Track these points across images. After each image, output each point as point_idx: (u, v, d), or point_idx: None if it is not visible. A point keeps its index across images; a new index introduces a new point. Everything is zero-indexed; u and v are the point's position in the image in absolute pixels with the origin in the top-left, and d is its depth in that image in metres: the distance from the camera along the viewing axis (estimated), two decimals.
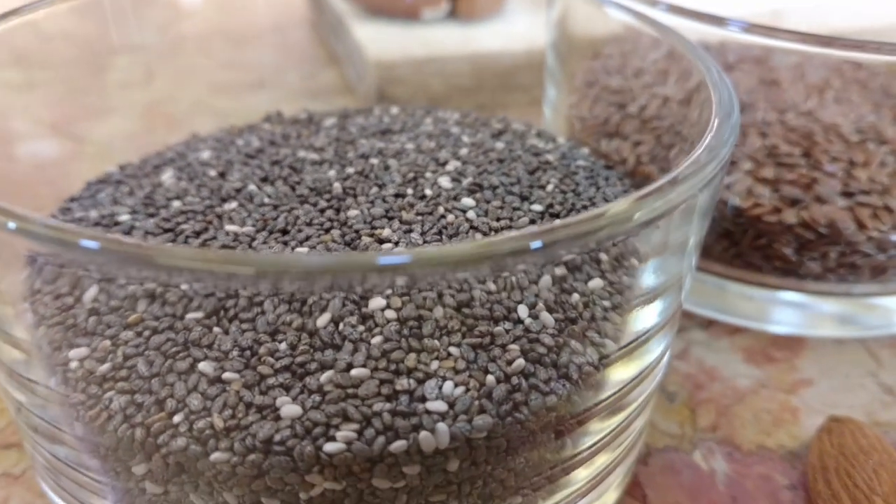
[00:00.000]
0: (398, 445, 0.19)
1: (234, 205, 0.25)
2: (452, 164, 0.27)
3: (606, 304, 0.22)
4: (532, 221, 0.25)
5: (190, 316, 0.21)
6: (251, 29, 0.46)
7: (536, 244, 0.16)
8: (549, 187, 0.26)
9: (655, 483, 0.26)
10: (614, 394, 0.21)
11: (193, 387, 0.19)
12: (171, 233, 0.24)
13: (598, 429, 0.22)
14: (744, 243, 0.31)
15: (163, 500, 0.20)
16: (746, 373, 0.30)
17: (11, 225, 0.16)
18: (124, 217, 0.25)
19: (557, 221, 0.17)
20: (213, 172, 0.28)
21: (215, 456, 0.18)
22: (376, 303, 0.21)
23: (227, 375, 0.19)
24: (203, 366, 0.20)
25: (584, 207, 0.25)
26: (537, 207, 0.25)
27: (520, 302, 0.21)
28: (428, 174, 0.27)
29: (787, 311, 0.32)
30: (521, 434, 0.20)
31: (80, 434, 0.20)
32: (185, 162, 0.29)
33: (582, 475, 0.22)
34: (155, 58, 0.41)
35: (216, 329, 0.20)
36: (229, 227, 0.24)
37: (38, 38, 0.33)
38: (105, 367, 0.20)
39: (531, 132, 0.31)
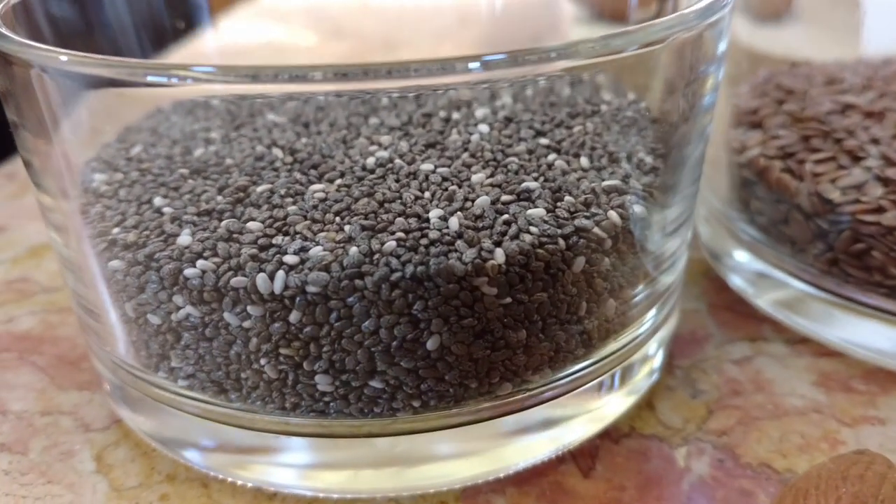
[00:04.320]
0: (238, 280, 0.20)
1: None
2: (502, 101, 0.27)
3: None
4: (529, 151, 0.24)
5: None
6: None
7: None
8: (576, 129, 0.25)
9: (612, 461, 0.23)
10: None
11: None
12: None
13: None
14: (838, 247, 0.26)
15: None
16: (807, 394, 0.25)
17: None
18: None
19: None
20: None
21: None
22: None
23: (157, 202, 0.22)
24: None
25: (593, 149, 0.24)
26: (544, 141, 0.24)
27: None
28: (476, 106, 0.27)
29: (892, 338, 0.26)
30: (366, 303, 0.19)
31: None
32: None
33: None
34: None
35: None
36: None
37: None
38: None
39: (610, 86, 0.29)
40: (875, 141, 0.27)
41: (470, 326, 0.20)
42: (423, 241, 0.20)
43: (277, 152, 0.24)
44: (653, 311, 0.25)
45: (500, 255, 0.20)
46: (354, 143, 0.25)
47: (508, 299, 0.20)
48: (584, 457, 0.23)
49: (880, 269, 0.25)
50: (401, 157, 0.24)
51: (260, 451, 0.23)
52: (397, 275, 0.19)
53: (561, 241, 0.20)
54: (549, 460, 0.23)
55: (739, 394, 0.25)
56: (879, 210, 0.25)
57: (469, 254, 0.20)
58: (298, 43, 0.53)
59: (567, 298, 0.21)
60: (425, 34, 0.49)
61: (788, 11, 0.42)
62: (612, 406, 0.24)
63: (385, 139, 0.25)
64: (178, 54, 0.34)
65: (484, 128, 0.25)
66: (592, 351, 0.22)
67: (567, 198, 0.21)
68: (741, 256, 0.29)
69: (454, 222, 0.20)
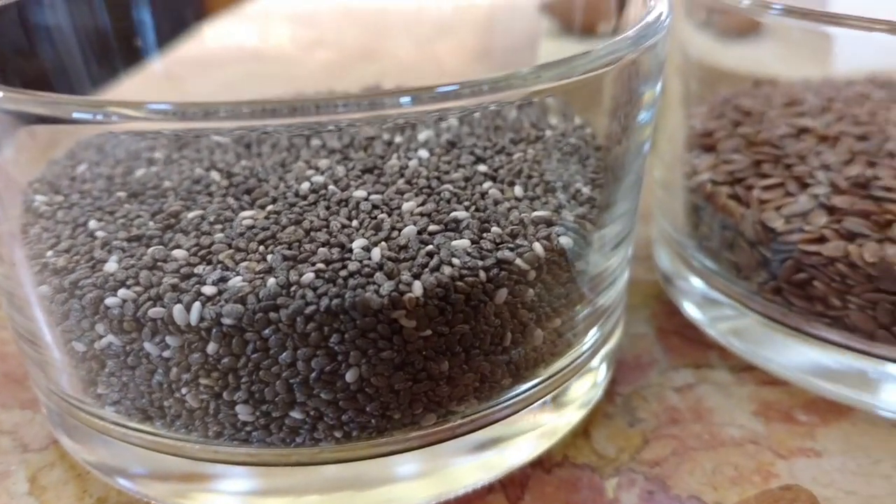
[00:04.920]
0: (156, 311, 0.20)
1: None
2: (447, 123, 0.27)
3: None
4: (466, 179, 0.24)
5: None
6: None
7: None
8: (516, 156, 0.25)
9: (542, 490, 0.23)
10: None
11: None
12: None
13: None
14: (781, 276, 0.26)
15: None
16: (746, 424, 0.25)
17: None
18: None
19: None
20: None
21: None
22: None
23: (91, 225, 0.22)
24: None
25: (530, 178, 0.24)
26: (482, 168, 0.24)
27: None
28: (420, 129, 0.27)
29: (835, 368, 0.26)
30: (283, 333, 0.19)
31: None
32: None
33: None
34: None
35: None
36: None
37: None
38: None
39: (558, 110, 0.29)
40: (825, 167, 0.27)
41: (389, 359, 0.20)
42: (343, 273, 0.20)
43: (215, 175, 0.24)
44: (592, 333, 0.25)
45: (417, 288, 0.20)
46: (292, 167, 0.25)
47: (428, 331, 0.20)
48: (513, 486, 0.23)
49: (822, 300, 0.25)
50: (335, 182, 0.24)
51: (198, 479, 0.23)
52: (312, 308, 0.19)
53: (482, 273, 0.20)
54: (478, 489, 0.23)
55: (678, 423, 0.25)
56: (822, 240, 0.25)
57: (387, 286, 0.19)
58: (280, 51, 0.53)
59: (490, 329, 0.21)
60: (406, 43, 0.49)
61: (758, 27, 0.41)
62: (544, 434, 0.24)
63: (323, 163, 0.25)
64: (153, 65, 0.35)
65: (424, 153, 0.25)
66: (520, 380, 0.22)
67: (494, 228, 0.21)
68: (691, 281, 0.29)
69: (376, 253, 0.20)
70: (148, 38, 0.33)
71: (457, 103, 0.18)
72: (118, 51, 0.30)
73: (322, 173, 0.24)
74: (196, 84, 0.41)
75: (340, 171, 0.24)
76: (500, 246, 0.21)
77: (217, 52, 0.49)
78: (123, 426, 0.22)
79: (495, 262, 0.20)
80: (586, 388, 0.25)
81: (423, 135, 0.26)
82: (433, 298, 0.20)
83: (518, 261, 0.21)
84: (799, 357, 0.26)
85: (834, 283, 0.25)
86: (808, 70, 0.40)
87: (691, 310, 0.29)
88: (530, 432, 0.24)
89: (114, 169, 0.25)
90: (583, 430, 0.25)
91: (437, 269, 0.20)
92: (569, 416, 0.25)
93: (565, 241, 0.22)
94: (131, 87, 0.33)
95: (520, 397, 0.23)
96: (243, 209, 0.23)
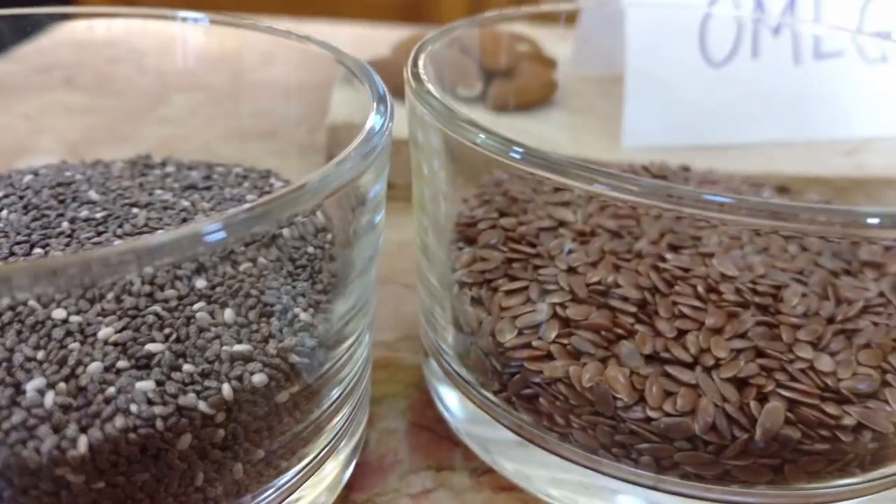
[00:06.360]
0: None
1: None
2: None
3: None
4: (180, 297, 0.23)
5: None
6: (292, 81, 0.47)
7: None
8: (242, 266, 0.24)
9: None
10: None
11: None
12: None
13: None
14: (510, 390, 0.26)
15: None
16: None
17: None
18: None
19: None
20: None
21: None
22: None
23: None
24: None
25: (247, 297, 0.23)
26: (200, 283, 0.23)
27: None
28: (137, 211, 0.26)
29: (566, 479, 0.26)
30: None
31: None
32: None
33: None
34: (204, 99, 0.44)
35: None
36: None
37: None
38: None
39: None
40: (572, 269, 0.27)
41: None
42: (5, 425, 0.19)
43: None
44: (318, 444, 0.24)
45: (83, 444, 0.19)
46: None
47: (101, 483, 0.19)
48: None
49: (549, 416, 0.25)
50: (38, 297, 0.22)
51: None
52: None
53: (159, 423, 0.19)
54: None
55: None
56: (549, 356, 0.25)
57: (49, 442, 0.18)
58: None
59: (177, 473, 0.20)
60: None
61: (550, 100, 0.42)
62: None
63: None
64: None
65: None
66: None
67: (186, 366, 0.21)
68: (441, 375, 0.29)
69: (49, 399, 0.19)
70: None
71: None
72: None
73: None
74: None
75: None
76: (187, 388, 0.20)
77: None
78: None
79: (175, 410, 0.20)
80: (315, 499, 0.25)
81: None
82: (102, 453, 0.19)
83: (202, 405, 0.20)
84: (532, 466, 0.26)
85: (558, 401, 0.25)
86: (603, 143, 0.41)
87: (441, 406, 0.29)
88: None
89: None
90: None
91: (110, 418, 0.19)
92: None
93: (259, 379, 0.21)
94: None
95: None
96: None
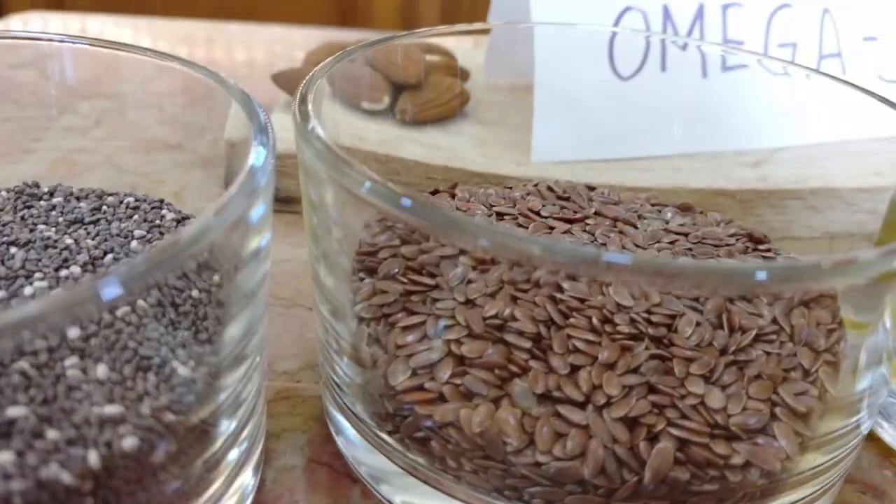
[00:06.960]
0: None
1: None
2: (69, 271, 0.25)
3: None
4: (49, 350, 0.22)
5: None
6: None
7: None
8: (119, 312, 0.23)
9: None
10: None
11: None
12: None
13: None
14: (402, 432, 0.25)
15: None
16: None
17: None
18: None
19: None
20: None
21: None
22: None
23: None
24: None
25: (124, 350, 0.22)
26: (73, 333, 0.22)
27: None
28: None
29: None
30: None
31: None
32: None
33: None
34: (109, 108, 0.42)
35: None
36: None
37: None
38: None
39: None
40: (470, 302, 0.27)
41: None
42: None
43: None
44: (208, 492, 0.23)
45: None
46: None
47: None
48: None
49: (441, 459, 0.25)
50: None
51: None
52: None
53: (17, 499, 0.18)
54: None
55: None
56: (441, 399, 0.25)
57: None
58: None
59: None
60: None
61: (461, 111, 0.41)
62: None
63: None
64: None
65: None
66: None
67: (51, 433, 0.20)
68: (339, 418, 0.28)
69: None
70: None
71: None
72: None
73: None
74: None
75: None
76: (50, 457, 0.19)
77: None
78: None
79: (34, 485, 0.19)
80: None
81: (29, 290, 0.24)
82: None
83: (65, 476, 0.19)
84: None
85: (449, 444, 0.24)
86: (513, 157, 0.40)
87: (340, 442, 0.29)
88: None
89: None
90: None
91: None
92: None
93: (130, 443, 0.20)
94: None
95: None
96: None
